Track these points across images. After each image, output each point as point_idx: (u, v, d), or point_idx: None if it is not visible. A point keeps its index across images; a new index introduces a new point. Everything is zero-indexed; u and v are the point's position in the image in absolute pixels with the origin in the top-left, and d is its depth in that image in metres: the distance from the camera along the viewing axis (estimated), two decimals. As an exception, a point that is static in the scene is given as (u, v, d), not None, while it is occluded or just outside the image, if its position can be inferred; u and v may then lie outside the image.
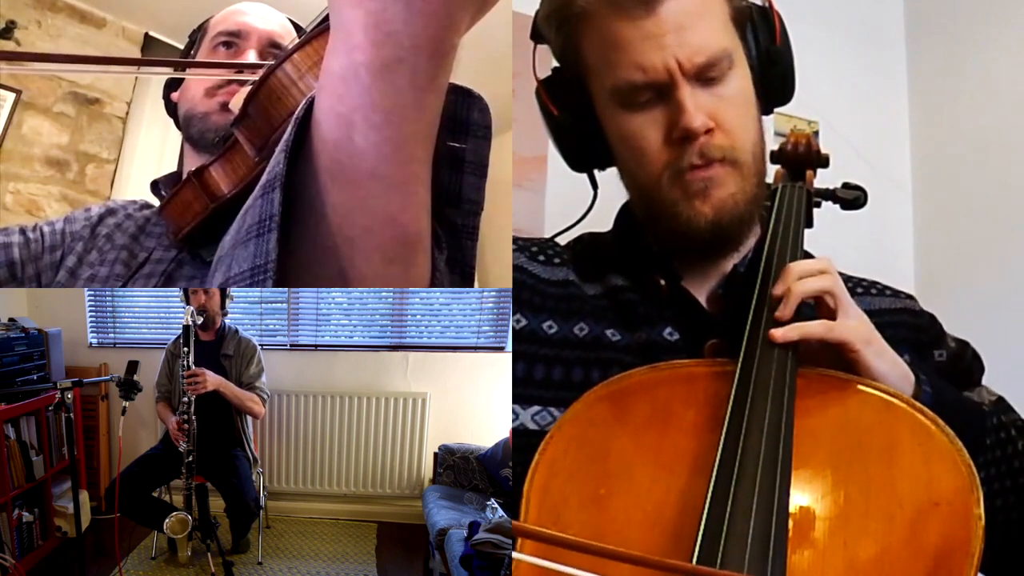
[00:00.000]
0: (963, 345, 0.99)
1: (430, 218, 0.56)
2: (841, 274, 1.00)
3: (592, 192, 1.02)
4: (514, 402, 0.90)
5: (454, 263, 0.64)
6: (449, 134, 0.60)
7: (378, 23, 0.44)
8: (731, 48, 0.86)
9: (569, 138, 0.96)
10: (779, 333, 0.75)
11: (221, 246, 0.57)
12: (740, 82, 0.87)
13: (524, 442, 0.75)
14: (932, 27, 2.42)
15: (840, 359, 0.76)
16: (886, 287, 1.01)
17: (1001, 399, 0.94)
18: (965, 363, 0.97)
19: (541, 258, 0.98)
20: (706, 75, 0.84)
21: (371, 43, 0.44)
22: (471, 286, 0.65)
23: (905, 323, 0.95)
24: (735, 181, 0.87)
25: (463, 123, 0.62)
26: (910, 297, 1.01)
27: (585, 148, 0.96)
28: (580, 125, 0.93)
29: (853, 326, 0.76)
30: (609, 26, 0.84)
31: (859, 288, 0.99)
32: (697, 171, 0.85)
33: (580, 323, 0.92)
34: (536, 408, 0.89)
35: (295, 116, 0.53)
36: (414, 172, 0.51)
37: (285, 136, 0.52)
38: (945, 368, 0.95)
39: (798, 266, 0.79)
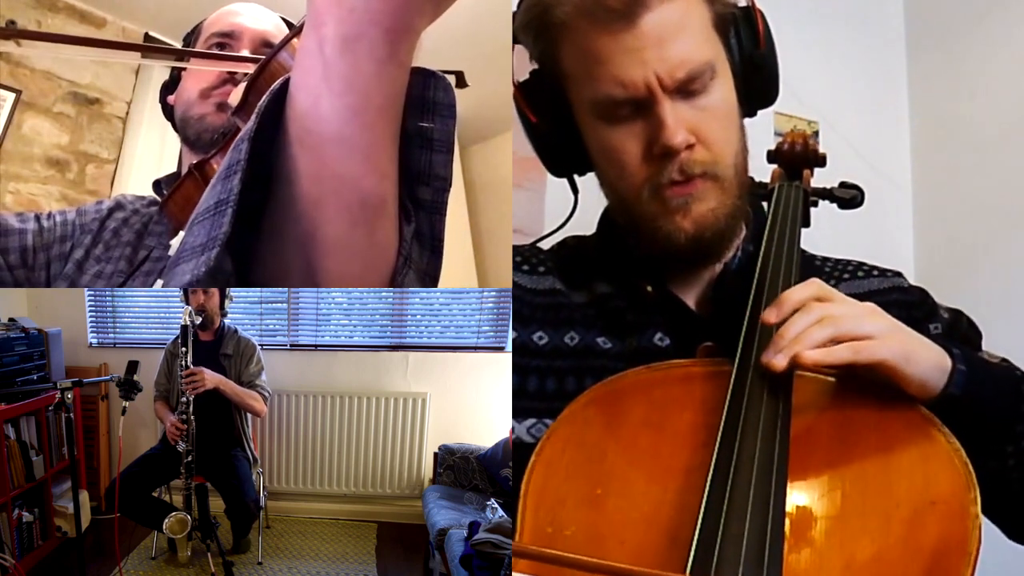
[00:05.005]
0: (957, 314, 0.97)
1: (396, 188, 0.60)
2: (826, 259, 1.00)
3: (572, 197, 1.01)
4: (513, 416, 0.89)
5: (423, 237, 0.66)
6: (418, 115, 0.64)
7: (340, 1, 0.49)
8: (713, 59, 0.84)
9: (547, 145, 0.95)
10: (809, 358, 0.70)
11: (201, 200, 0.59)
12: (722, 92, 0.85)
13: (522, 455, 0.74)
14: (932, 27, 2.42)
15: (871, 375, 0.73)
16: (873, 267, 1.00)
17: (1006, 360, 0.92)
18: (961, 332, 0.96)
19: (525, 267, 0.97)
20: (687, 88, 0.82)
21: (334, 19, 0.49)
22: (440, 261, 0.68)
23: (896, 302, 0.94)
24: (716, 196, 0.85)
25: (430, 103, 0.65)
26: (897, 274, 0.99)
27: (563, 154, 0.95)
28: (558, 132, 0.92)
29: (881, 342, 0.72)
30: (588, 39, 0.83)
31: (846, 273, 0.98)
32: (677, 187, 0.84)
33: (570, 332, 0.92)
34: (531, 420, 0.88)
35: (271, 88, 0.57)
36: (375, 139, 0.55)
37: (260, 102, 0.56)
38: (942, 340, 0.94)
39: (794, 325, 0.73)
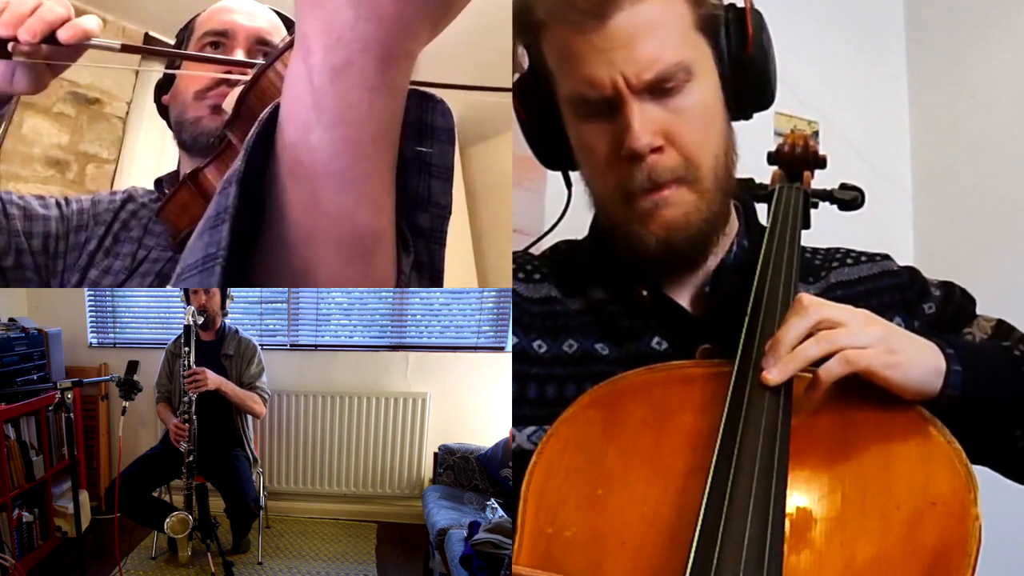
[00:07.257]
0: (948, 288, 0.97)
1: (393, 219, 0.57)
2: (816, 250, 1.00)
3: (567, 192, 1.00)
4: (513, 424, 0.89)
5: (422, 267, 0.63)
6: (416, 140, 0.61)
7: (328, 29, 0.46)
8: (689, 60, 0.83)
9: (537, 140, 0.97)
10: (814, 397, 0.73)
11: (187, 247, 0.58)
12: (700, 94, 0.84)
13: (522, 463, 0.74)
14: (932, 27, 2.42)
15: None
16: (861, 253, 0.99)
17: (1001, 322, 0.93)
18: (955, 304, 0.96)
19: (521, 275, 0.97)
20: (659, 88, 0.82)
21: (322, 48, 0.46)
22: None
23: (888, 287, 0.95)
24: (690, 200, 0.85)
25: (428, 128, 0.63)
26: (886, 257, 0.99)
27: (553, 150, 0.95)
28: (546, 128, 0.92)
29: (872, 351, 0.72)
30: (563, 38, 0.84)
31: (835, 262, 0.98)
32: (647, 194, 0.84)
33: (568, 340, 0.92)
34: (531, 428, 0.88)
35: (260, 118, 0.54)
36: (368, 170, 0.52)
37: (249, 135, 0.54)
38: (937, 317, 0.94)
39: (790, 333, 0.74)
